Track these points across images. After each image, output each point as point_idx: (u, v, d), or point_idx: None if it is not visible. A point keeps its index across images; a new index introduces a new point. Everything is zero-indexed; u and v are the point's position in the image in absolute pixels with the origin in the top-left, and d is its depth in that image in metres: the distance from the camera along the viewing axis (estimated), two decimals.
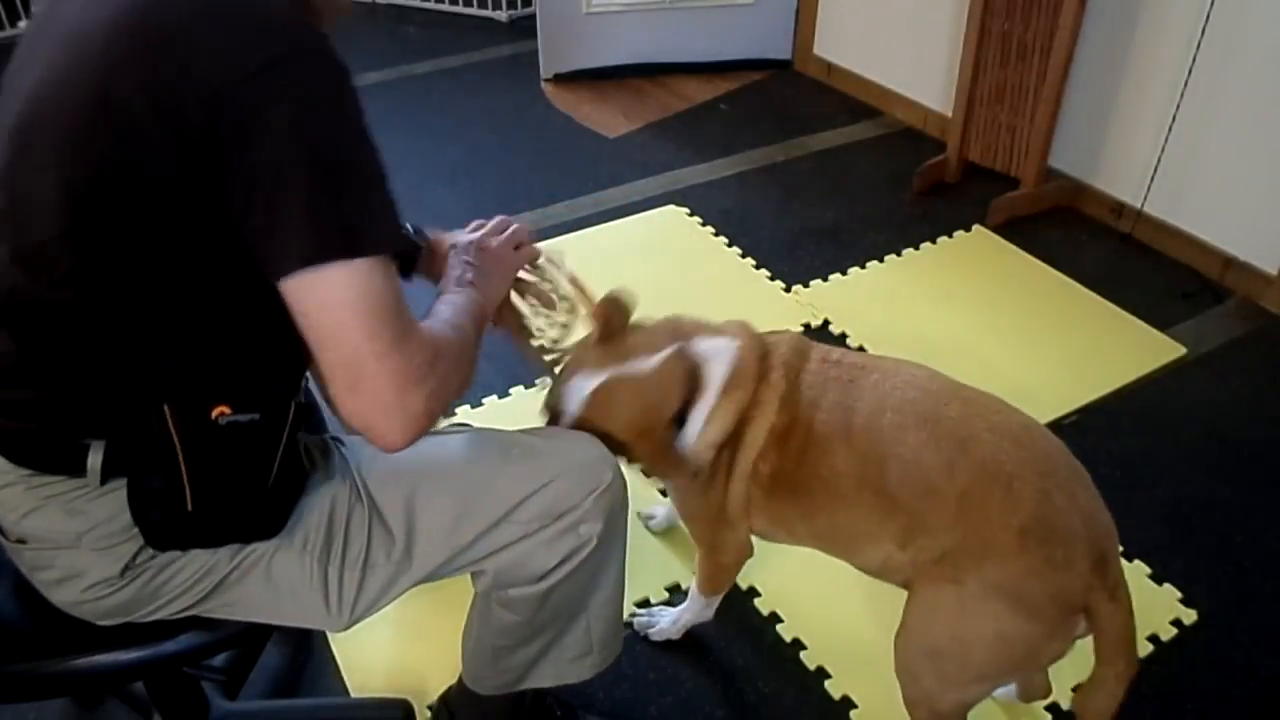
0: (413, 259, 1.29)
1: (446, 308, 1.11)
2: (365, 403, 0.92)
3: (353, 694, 1.63)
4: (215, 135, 0.86)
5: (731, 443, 1.33)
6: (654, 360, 1.27)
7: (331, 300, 0.90)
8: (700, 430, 1.30)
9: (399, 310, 0.93)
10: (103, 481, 1.02)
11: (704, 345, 1.31)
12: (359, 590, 1.13)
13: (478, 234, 1.29)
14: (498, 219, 1.33)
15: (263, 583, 1.11)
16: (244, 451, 1.01)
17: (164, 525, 1.02)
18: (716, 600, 1.65)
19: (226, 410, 0.98)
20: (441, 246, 1.29)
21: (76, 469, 1.02)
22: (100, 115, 0.88)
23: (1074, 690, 1.27)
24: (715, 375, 1.30)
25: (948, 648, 1.26)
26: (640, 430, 1.26)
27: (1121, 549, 1.85)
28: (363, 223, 0.91)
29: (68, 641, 1.12)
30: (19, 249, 0.96)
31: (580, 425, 1.27)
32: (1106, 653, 1.21)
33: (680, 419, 1.28)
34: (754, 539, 1.50)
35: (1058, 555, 1.18)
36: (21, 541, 1.07)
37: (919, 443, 1.24)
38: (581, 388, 1.27)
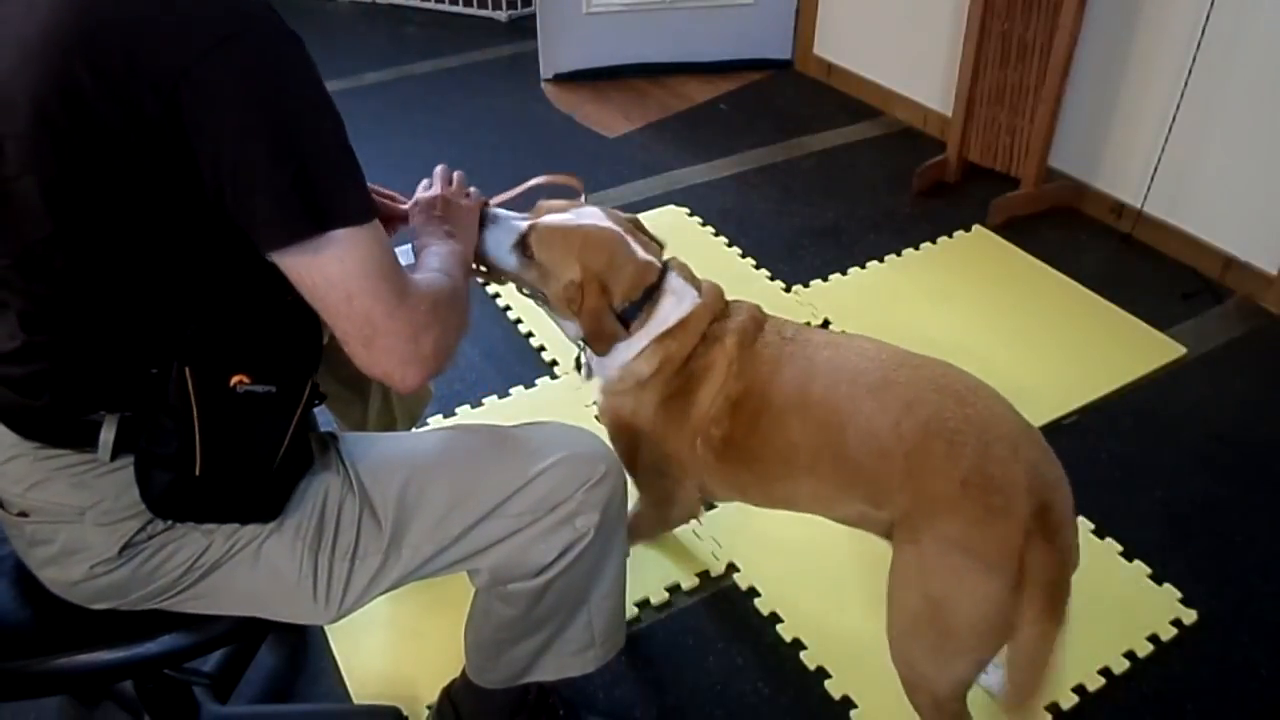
0: None
1: (434, 259, 1.15)
2: (381, 355, 0.98)
3: (353, 697, 1.63)
4: (174, 121, 0.87)
5: (682, 401, 1.39)
6: (643, 253, 1.40)
7: (329, 273, 0.94)
8: (627, 359, 1.40)
9: (395, 266, 0.98)
10: (113, 456, 1.03)
11: (675, 282, 1.42)
12: (347, 582, 1.14)
13: (434, 190, 1.31)
14: (440, 169, 1.35)
15: (253, 571, 1.11)
16: (258, 422, 1.03)
17: (170, 491, 1.02)
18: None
19: (245, 379, 1.01)
20: (391, 209, 1.30)
21: (87, 442, 1.03)
22: (60, 114, 0.87)
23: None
24: (665, 312, 1.39)
25: (922, 611, 1.27)
26: (593, 278, 1.35)
27: (1121, 549, 1.88)
28: (331, 197, 0.92)
29: (51, 641, 1.11)
30: (12, 252, 0.96)
31: (549, 238, 1.35)
32: (1030, 598, 1.17)
33: (624, 319, 1.38)
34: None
35: (996, 502, 1.19)
36: (24, 515, 1.07)
37: (871, 409, 1.28)
38: (590, 213, 1.39)
